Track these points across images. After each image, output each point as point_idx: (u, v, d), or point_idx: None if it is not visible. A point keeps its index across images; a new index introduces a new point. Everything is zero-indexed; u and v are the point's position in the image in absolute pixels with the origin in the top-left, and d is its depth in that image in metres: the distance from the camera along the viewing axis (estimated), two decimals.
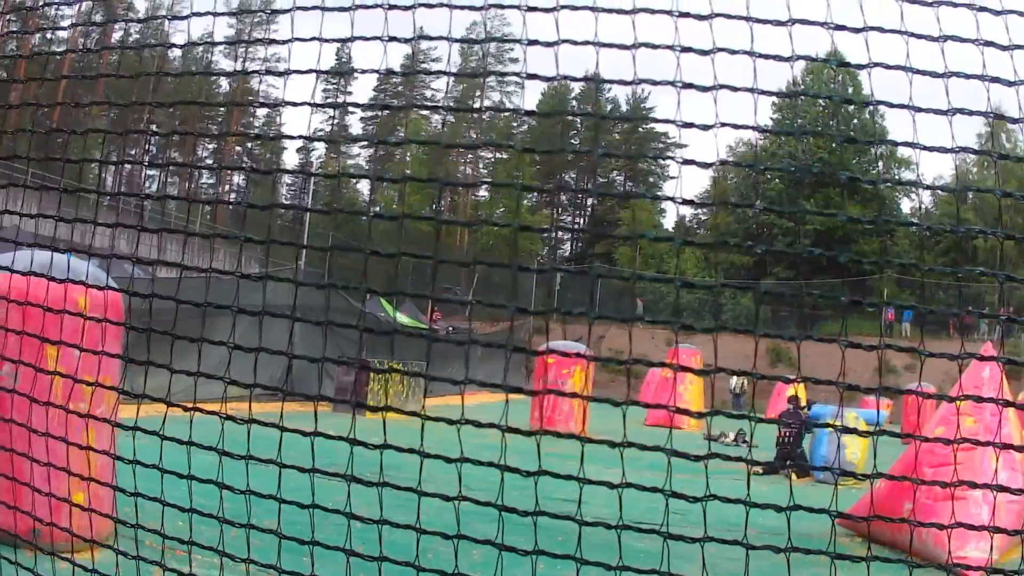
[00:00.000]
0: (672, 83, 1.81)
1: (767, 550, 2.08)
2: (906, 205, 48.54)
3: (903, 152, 43.08)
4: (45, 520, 2.84)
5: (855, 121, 45.84)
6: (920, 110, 1.87)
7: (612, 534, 1.96)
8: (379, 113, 60.20)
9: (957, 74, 1.94)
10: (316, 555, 2.17)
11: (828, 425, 1.90)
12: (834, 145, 44.39)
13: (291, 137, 2.19)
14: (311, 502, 2.11)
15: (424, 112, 57.59)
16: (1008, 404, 1.69)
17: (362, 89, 64.43)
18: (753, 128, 1.83)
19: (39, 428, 2.98)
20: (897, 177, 45.65)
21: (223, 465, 2.28)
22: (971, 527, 1.85)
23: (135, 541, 2.47)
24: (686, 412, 1.98)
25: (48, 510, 2.96)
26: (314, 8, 2.07)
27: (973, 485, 1.77)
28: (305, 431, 2.12)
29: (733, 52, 1.85)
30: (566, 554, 1.88)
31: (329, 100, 59.56)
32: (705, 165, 1.83)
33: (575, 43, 1.87)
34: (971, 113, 1.89)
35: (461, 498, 1.93)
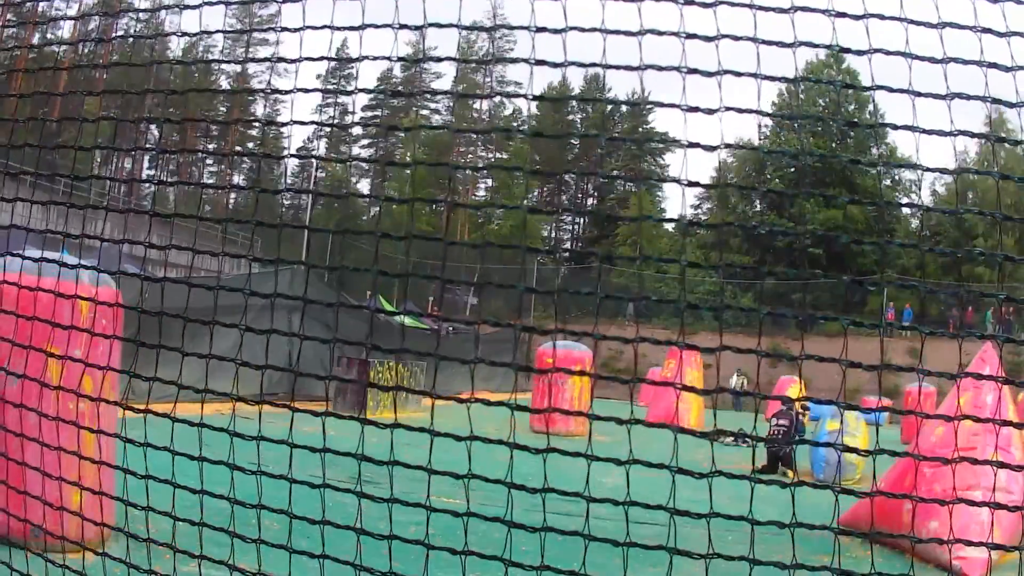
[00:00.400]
0: (677, 68, 1.85)
1: (764, 541, 2.12)
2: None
3: (903, 152, 43.11)
4: (55, 505, 2.88)
5: (854, 121, 45.88)
6: (919, 94, 1.91)
7: (614, 532, 2.00)
8: (379, 114, 60.22)
9: (955, 60, 1.98)
10: (326, 535, 2.20)
11: (831, 402, 1.94)
12: (834, 145, 44.49)
13: (302, 123, 2.22)
14: (322, 482, 2.15)
15: (424, 112, 57.61)
16: (1007, 382, 1.73)
17: (355, 84, 64.27)
18: (756, 112, 1.87)
19: (39, 426, 3.01)
20: (897, 177, 45.73)
21: (233, 448, 2.32)
22: (972, 503, 1.88)
23: (146, 528, 2.51)
24: (692, 389, 2.02)
25: (57, 498, 2.99)
26: None
27: (973, 461, 1.81)
28: (316, 411, 2.16)
29: (737, 38, 1.89)
30: (574, 531, 1.92)
31: (329, 100, 59.53)
32: (710, 148, 1.87)
33: (583, 30, 1.91)
34: (969, 98, 1.93)
35: (471, 476, 1.97)
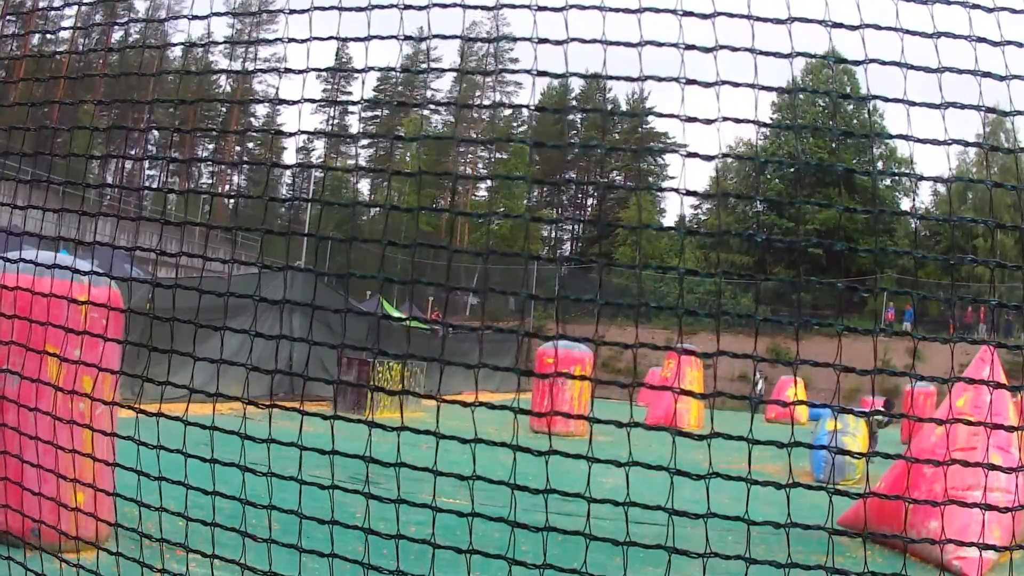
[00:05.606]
0: (676, 79, 1.89)
1: (765, 542, 2.17)
2: (906, 205, 48.69)
3: (903, 152, 43.23)
4: (69, 506, 2.92)
5: (854, 121, 46.02)
6: (913, 104, 1.96)
7: (613, 532, 2.05)
8: (379, 113, 60.29)
9: (950, 69, 2.02)
10: (335, 534, 2.25)
11: (826, 405, 1.98)
12: (833, 145, 44.57)
13: (308, 133, 2.27)
14: (331, 483, 2.19)
15: (424, 112, 57.63)
16: (999, 386, 1.77)
17: (361, 90, 64.35)
18: (754, 122, 1.91)
19: (40, 425, 3.04)
20: (896, 177, 45.88)
21: (244, 449, 2.36)
22: (964, 504, 1.92)
23: (159, 525, 2.55)
24: (689, 393, 2.06)
25: (60, 496, 3.03)
26: (331, 8, 2.15)
27: (966, 464, 1.85)
28: (324, 415, 2.21)
29: (735, 49, 1.93)
30: (576, 531, 1.97)
31: (330, 97, 59.49)
32: (708, 157, 1.91)
33: (584, 41, 1.95)
34: (963, 107, 1.97)
35: (475, 477, 2.02)
